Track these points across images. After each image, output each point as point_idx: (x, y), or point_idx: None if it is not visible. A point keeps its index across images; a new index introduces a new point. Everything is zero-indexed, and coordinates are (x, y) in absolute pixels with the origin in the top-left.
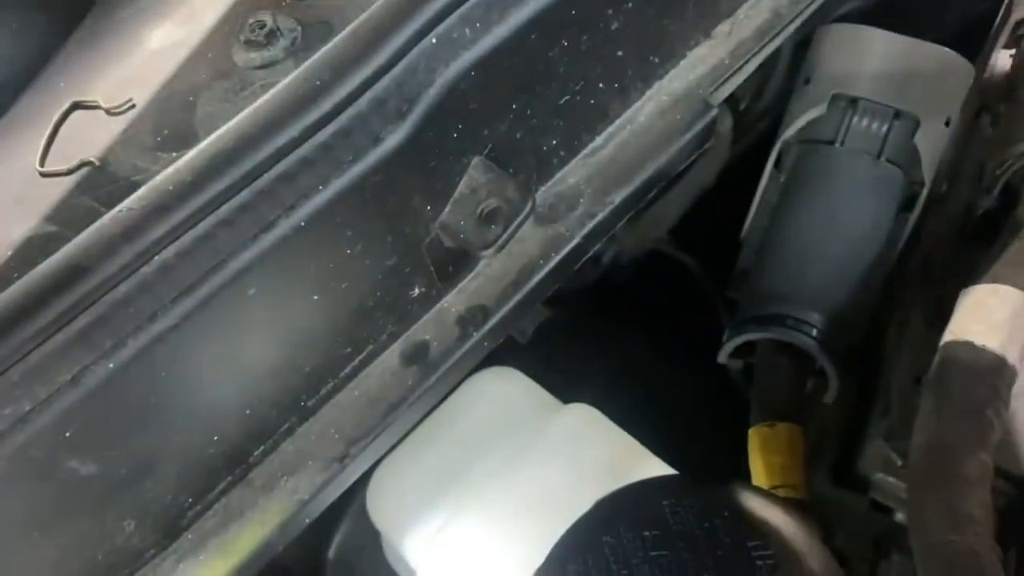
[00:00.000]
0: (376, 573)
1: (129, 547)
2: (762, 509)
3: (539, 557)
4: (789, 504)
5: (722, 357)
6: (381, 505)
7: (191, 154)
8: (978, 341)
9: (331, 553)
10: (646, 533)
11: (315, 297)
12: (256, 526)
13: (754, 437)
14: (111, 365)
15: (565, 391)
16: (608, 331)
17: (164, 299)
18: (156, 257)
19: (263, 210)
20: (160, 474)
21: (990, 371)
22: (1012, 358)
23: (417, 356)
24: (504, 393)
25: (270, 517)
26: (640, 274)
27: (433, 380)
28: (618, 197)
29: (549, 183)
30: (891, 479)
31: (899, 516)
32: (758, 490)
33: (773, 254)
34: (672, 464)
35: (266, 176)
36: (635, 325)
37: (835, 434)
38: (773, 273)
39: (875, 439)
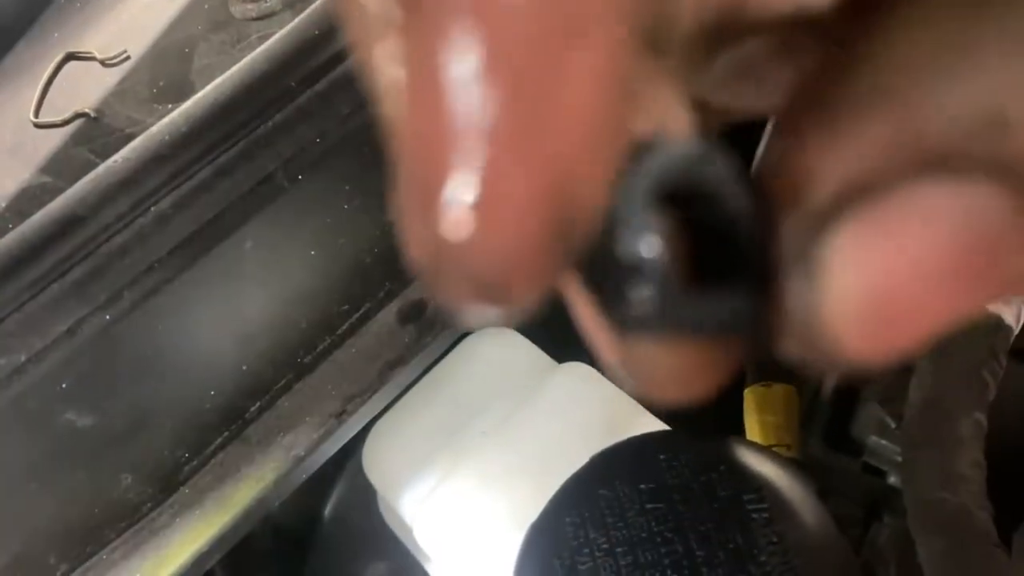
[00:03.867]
0: (371, 530)
1: (126, 500)
2: (758, 464)
3: (534, 512)
4: (784, 460)
5: None
6: (377, 462)
7: (187, 104)
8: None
9: (327, 510)
10: (642, 486)
11: (312, 252)
12: (253, 482)
13: (749, 397)
14: (107, 317)
15: (562, 348)
16: None
17: (161, 251)
18: (152, 208)
19: (260, 161)
20: (157, 428)
21: (986, 332)
22: (1008, 317)
23: (414, 314)
24: (501, 353)
25: (267, 473)
26: None
27: (429, 338)
28: None
29: None
30: (884, 442)
31: (892, 479)
32: (754, 445)
33: None
34: (668, 422)
35: (263, 127)
36: None
37: (829, 399)
38: None
39: (869, 403)
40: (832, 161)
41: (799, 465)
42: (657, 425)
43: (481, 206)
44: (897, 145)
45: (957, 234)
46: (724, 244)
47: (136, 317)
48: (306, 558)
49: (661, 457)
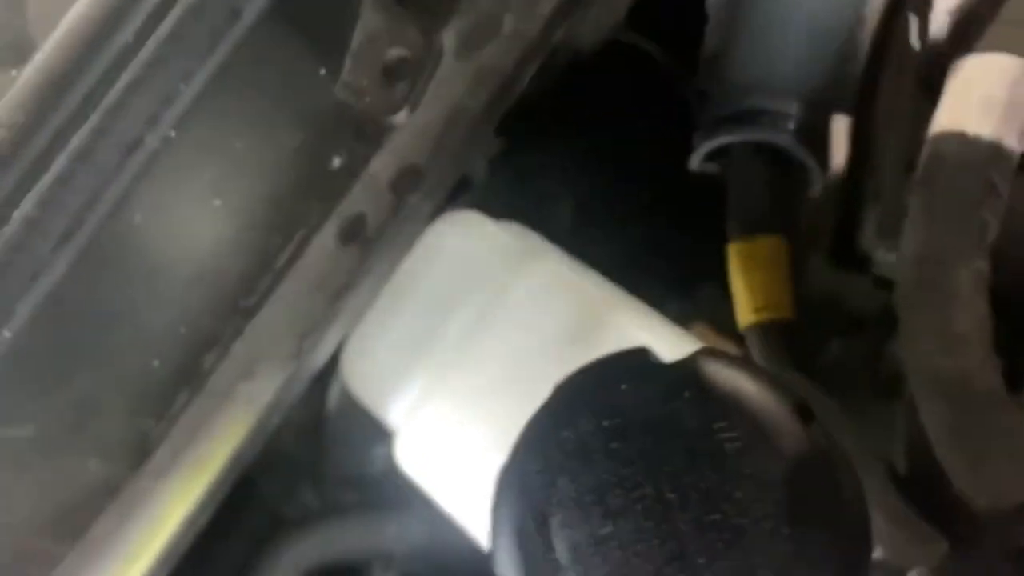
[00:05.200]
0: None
1: (99, 481)
2: (729, 383)
3: (512, 435)
4: (760, 373)
5: (694, 163)
6: (356, 376)
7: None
8: (969, 129)
9: (330, 403)
10: (605, 423)
11: (217, 202)
12: (227, 433)
13: (733, 254)
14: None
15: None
16: (573, 156)
17: (47, 247)
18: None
19: (122, 129)
20: (109, 409)
21: (983, 163)
22: (1010, 140)
23: (354, 232)
24: (465, 242)
25: (236, 423)
26: (601, 68)
27: (375, 255)
28: (549, 5)
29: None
30: (894, 255)
31: None
32: (727, 358)
33: (741, 31)
34: (650, 293)
35: (114, 90)
36: (601, 137)
37: (830, 221)
38: (743, 56)
39: (874, 212)
40: None
41: (792, 330)
42: (635, 317)
43: None
44: None
45: None
46: None
47: (44, 318)
48: (318, 451)
49: (623, 387)
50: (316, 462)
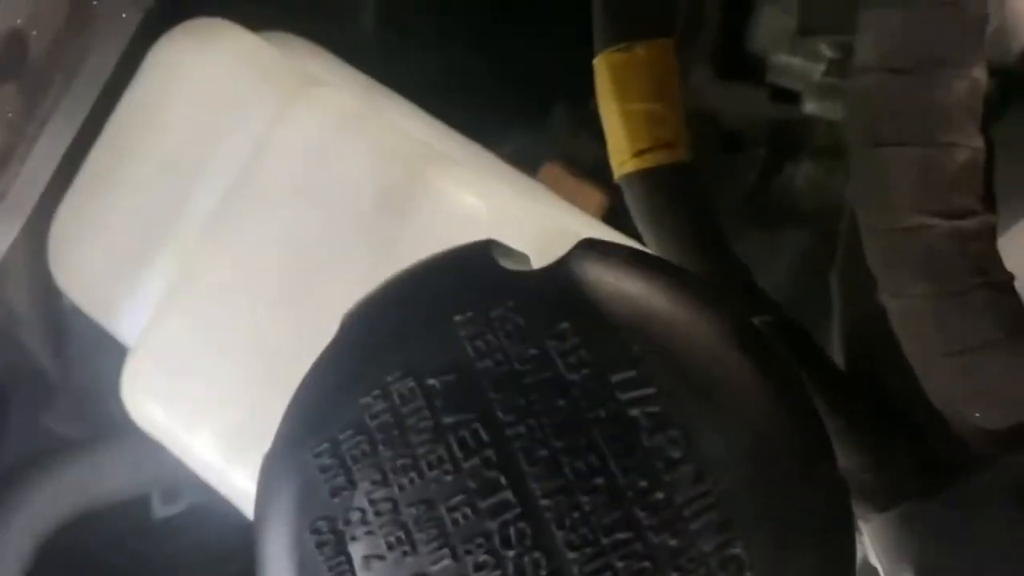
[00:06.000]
0: None
1: None
2: (631, 300)
3: (285, 374)
4: (676, 278)
5: None
6: (67, 272)
7: None
8: None
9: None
10: (431, 382)
11: None
12: None
13: (602, 71)
14: None
15: (323, 28)
16: None
17: None
18: None
19: None
20: None
21: None
22: None
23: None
24: (211, 66)
25: None
26: None
27: (50, 92)
28: None
29: None
30: (796, 59)
31: (809, 106)
32: (609, 250)
33: None
34: (487, 122)
35: None
36: None
37: (716, 9)
38: None
39: (769, 4)
40: None
41: (689, 180)
42: (455, 176)
43: None
44: None
45: None
46: None
47: None
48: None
49: (458, 319)
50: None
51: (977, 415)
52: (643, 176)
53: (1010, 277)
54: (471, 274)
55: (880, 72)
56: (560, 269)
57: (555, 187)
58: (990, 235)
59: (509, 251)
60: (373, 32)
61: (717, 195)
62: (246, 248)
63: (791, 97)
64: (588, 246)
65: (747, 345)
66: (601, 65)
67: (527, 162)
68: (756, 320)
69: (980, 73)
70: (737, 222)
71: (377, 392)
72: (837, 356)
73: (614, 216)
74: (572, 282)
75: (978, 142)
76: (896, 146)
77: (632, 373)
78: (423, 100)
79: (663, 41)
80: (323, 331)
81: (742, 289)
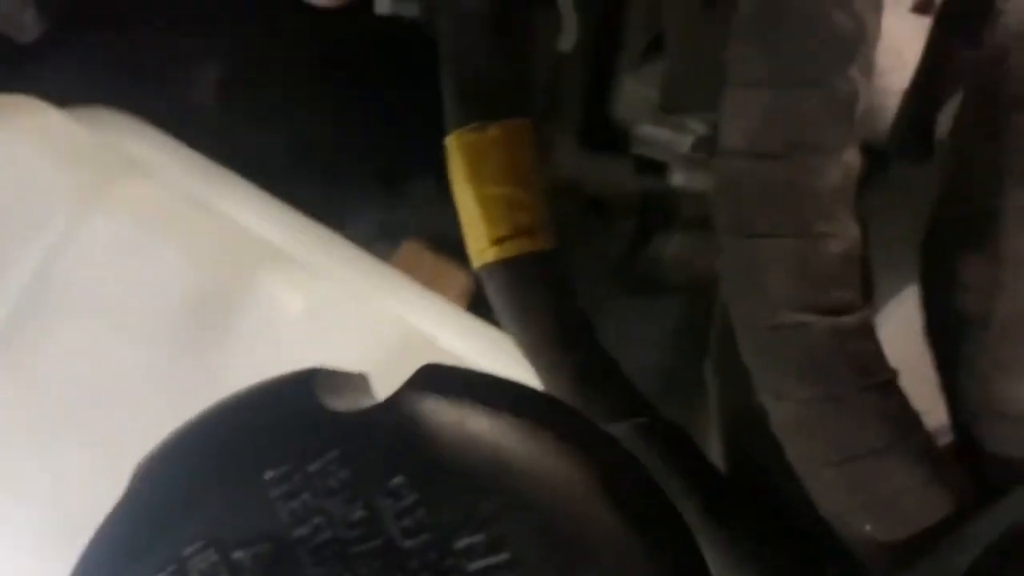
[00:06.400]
0: None
1: None
2: (469, 430)
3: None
4: (519, 405)
5: (381, 7)
6: None
7: None
8: None
9: None
10: (239, 556)
11: None
12: None
13: (455, 152)
14: None
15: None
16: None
17: None
18: None
19: None
20: None
21: None
22: None
23: None
24: (15, 148)
25: None
26: None
27: None
28: None
29: None
30: (662, 131)
31: (677, 177)
32: (454, 380)
33: None
34: (341, 194)
35: None
36: None
37: (580, 83)
38: None
39: (633, 70)
40: None
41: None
42: (285, 273)
43: None
44: None
45: None
46: None
47: None
48: None
49: (268, 475)
50: None
51: (868, 527)
52: (504, 266)
53: (894, 374)
54: (286, 417)
55: (748, 157)
56: (395, 407)
57: (414, 268)
58: (871, 330)
59: (338, 379)
60: (215, 105)
61: (588, 262)
62: (36, 368)
63: (658, 168)
64: (429, 377)
65: (621, 496)
66: (454, 145)
67: (388, 236)
68: (628, 425)
69: (853, 157)
70: (609, 288)
71: (173, 567)
72: (716, 448)
73: (480, 299)
74: (409, 424)
75: (853, 230)
76: (768, 237)
77: (481, 537)
78: (270, 176)
79: (520, 120)
80: (123, 474)
81: (610, 387)
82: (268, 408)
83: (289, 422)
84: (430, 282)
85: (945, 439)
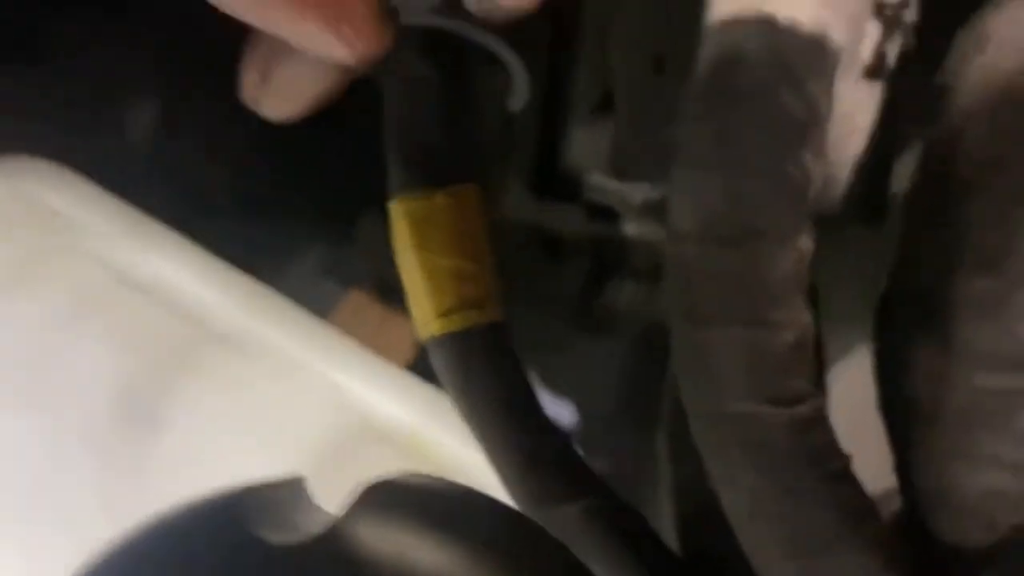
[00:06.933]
0: None
1: None
2: (417, 562)
3: None
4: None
5: None
6: None
7: None
8: (781, 13)
9: None
10: None
11: None
12: None
13: (399, 219)
14: None
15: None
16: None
17: None
18: None
19: None
20: None
21: (801, 66)
22: (837, 34)
23: None
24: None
25: None
26: None
27: None
28: None
29: None
30: (613, 181)
31: (629, 227)
32: (401, 501)
33: None
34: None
35: None
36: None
37: (531, 137)
38: None
39: (583, 123)
40: None
41: (498, 339)
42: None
43: None
44: None
45: None
46: None
47: None
48: None
49: None
50: None
51: None
52: (450, 340)
53: (847, 461)
54: (217, 553)
55: (699, 242)
56: (333, 539)
57: (359, 321)
58: (824, 418)
59: (272, 498)
60: (152, 143)
61: (545, 303)
62: None
63: (611, 215)
64: (372, 502)
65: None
66: (398, 211)
67: (334, 275)
68: (578, 507)
69: (805, 242)
70: (565, 328)
71: None
72: (668, 526)
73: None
74: (347, 558)
75: (806, 317)
76: (719, 326)
77: None
78: (212, 214)
79: (468, 186)
80: None
81: (560, 467)
82: (196, 541)
83: (214, 558)
84: (377, 333)
85: (895, 503)
